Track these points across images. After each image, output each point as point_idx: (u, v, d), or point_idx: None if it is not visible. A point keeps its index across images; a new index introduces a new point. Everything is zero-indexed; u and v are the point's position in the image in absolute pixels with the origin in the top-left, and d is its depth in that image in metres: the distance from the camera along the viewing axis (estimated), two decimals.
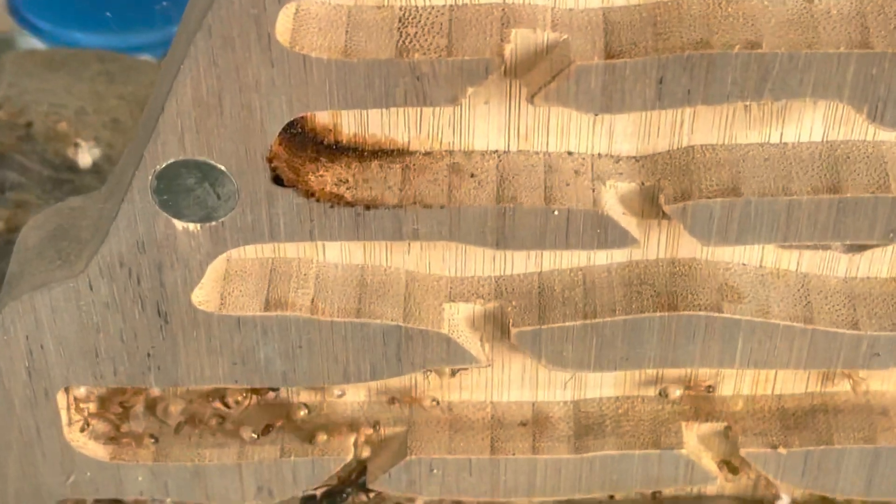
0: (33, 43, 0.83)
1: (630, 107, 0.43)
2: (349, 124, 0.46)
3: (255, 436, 0.54)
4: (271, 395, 0.54)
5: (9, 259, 0.63)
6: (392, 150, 0.47)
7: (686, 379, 0.53)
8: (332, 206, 0.46)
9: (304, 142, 0.46)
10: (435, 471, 0.54)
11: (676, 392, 0.53)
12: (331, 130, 0.47)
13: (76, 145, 0.62)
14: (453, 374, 0.53)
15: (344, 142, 0.47)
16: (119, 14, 0.84)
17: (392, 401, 0.54)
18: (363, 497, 0.58)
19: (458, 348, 0.50)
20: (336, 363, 0.50)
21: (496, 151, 0.47)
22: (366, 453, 0.54)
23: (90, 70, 0.71)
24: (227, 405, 0.54)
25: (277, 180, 0.45)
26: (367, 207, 0.46)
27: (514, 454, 0.53)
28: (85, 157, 0.62)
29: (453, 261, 0.50)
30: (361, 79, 0.42)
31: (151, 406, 0.54)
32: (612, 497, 0.57)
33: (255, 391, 0.54)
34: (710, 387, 0.53)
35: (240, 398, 0.53)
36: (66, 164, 0.65)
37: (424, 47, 0.42)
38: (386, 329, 0.49)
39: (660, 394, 0.53)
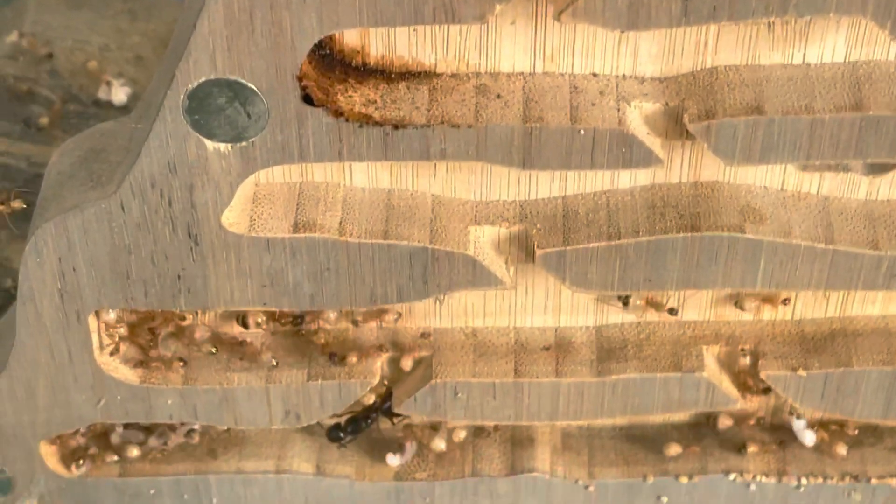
0: None
1: (656, 23, 0.43)
2: (377, 46, 0.47)
3: (275, 363, 0.54)
4: (291, 328, 0.55)
5: (35, 193, 0.64)
6: (419, 73, 0.48)
7: (763, 294, 0.54)
8: (360, 126, 0.46)
9: (332, 63, 0.47)
10: (460, 394, 0.54)
11: (752, 305, 0.53)
12: (359, 52, 0.47)
13: (108, 83, 0.62)
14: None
15: (371, 64, 0.47)
16: None
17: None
18: (388, 423, 0.59)
19: (484, 270, 0.50)
20: (363, 286, 0.51)
21: (522, 73, 0.48)
22: (408, 367, 0.55)
23: (112, 8, 0.71)
24: (246, 325, 0.54)
25: (307, 100, 0.46)
26: (396, 127, 0.46)
27: (537, 378, 0.54)
28: (119, 94, 0.63)
29: (478, 185, 0.51)
30: None
31: (180, 332, 0.55)
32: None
33: (273, 318, 0.55)
34: (786, 300, 0.54)
35: (259, 320, 0.54)
36: (91, 98, 0.65)
37: None
38: (413, 251, 0.50)
39: (735, 304, 0.54)
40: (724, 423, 0.57)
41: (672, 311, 0.54)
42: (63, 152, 0.51)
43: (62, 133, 0.65)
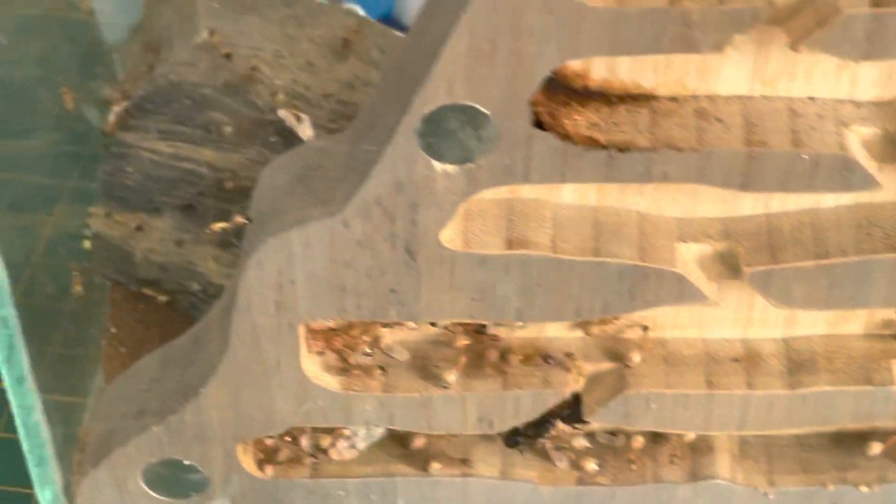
0: None
1: (893, 53, 0.44)
2: (599, 70, 0.48)
3: (447, 385, 0.55)
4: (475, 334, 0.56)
5: (218, 198, 0.66)
6: (638, 96, 0.49)
7: None
8: (586, 149, 0.47)
9: (555, 87, 0.48)
10: (652, 405, 0.56)
11: None
12: (580, 76, 0.48)
13: (298, 119, 0.63)
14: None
15: (592, 87, 0.48)
16: None
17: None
18: (567, 428, 0.60)
19: (691, 287, 0.52)
20: (570, 300, 0.52)
21: (739, 96, 0.49)
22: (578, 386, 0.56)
23: (279, 13, 0.72)
24: (434, 323, 0.56)
25: (536, 124, 0.47)
26: (621, 150, 0.47)
27: (729, 389, 0.55)
28: (306, 130, 0.64)
29: (683, 202, 0.52)
30: (633, 26, 0.44)
31: (376, 341, 0.57)
32: None
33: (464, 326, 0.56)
34: None
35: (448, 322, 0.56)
36: (268, 105, 0.67)
37: None
38: (622, 268, 0.51)
39: None
40: None
41: None
42: (276, 168, 0.53)
43: (244, 140, 0.66)
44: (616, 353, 0.56)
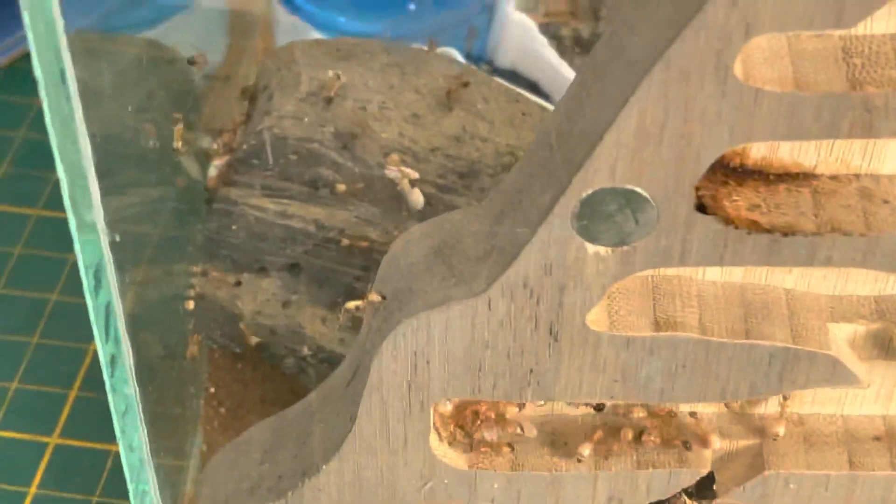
0: (292, 24, 0.82)
1: None
2: (759, 148, 0.46)
3: (582, 459, 0.53)
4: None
5: (324, 257, 0.64)
6: (797, 174, 0.47)
7: None
8: (748, 233, 0.45)
9: (712, 167, 0.46)
10: (792, 486, 0.54)
11: None
12: (738, 154, 0.46)
13: (411, 185, 0.61)
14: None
15: (750, 165, 0.46)
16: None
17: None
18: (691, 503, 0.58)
19: (844, 370, 0.49)
20: (716, 381, 0.50)
21: None
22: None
23: (379, 61, 0.70)
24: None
25: (698, 207, 0.45)
26: (784, 234, 0.45)
27: (873, 470, 0.53)
28: (417, 198, 0.62)
29: (833, 280, 0.50)
30: (810, 111, 0.42)
31: (501, 416, 0.55)
32: None
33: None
34: None
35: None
36: (376, 160, 0.65)
37: (876, 80, 0.41)
38: (773, 350, 0.49)
39: None
40: None
41: None
42: (409, 241, 0.51)
43: (351, 196, 0.64)
44: (755, 427, 0.54)
